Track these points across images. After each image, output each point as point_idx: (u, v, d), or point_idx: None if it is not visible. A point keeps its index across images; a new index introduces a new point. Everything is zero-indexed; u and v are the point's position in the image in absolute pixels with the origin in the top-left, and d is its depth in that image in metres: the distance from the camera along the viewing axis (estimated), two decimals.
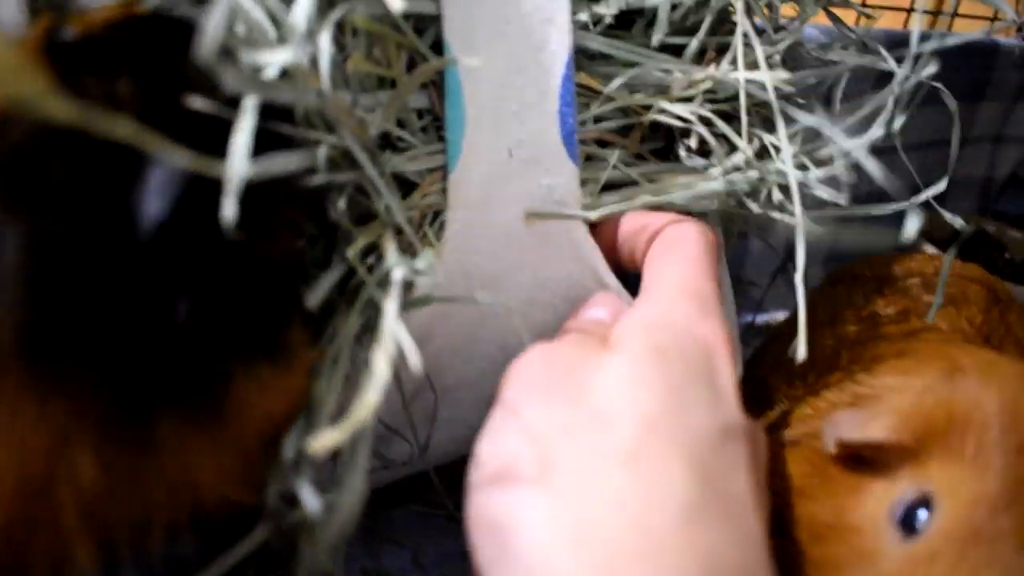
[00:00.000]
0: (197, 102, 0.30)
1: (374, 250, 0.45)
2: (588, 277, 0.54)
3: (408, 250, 0.46)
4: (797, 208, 0.49)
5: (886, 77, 0.54)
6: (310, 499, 0.31)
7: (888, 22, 1.08)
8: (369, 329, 0.44)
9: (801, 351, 0.45)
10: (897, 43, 0.55)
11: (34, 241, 0.28)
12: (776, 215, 0.51)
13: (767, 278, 0.89)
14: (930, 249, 1.08)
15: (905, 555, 0.40)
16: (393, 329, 0.34)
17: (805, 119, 0.50)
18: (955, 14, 1.19)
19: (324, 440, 0.30)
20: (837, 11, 0.63)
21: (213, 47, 0.29)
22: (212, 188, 0.29)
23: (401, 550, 0.62)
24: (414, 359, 0.33)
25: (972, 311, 0.64)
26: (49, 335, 0.27)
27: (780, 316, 0.98)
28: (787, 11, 0.60)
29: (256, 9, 0.37)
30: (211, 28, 0.29)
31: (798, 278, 0.47)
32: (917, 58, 0.51)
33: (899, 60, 0.54)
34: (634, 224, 0.51)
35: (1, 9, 0.41)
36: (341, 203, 0.41)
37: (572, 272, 0.53)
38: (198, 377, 0.31)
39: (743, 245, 0.97)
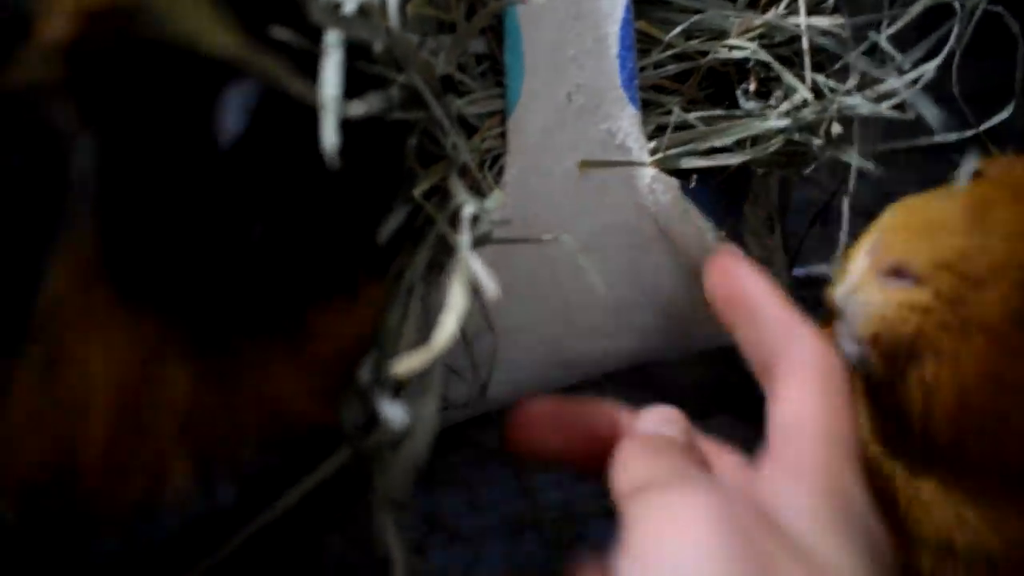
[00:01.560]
0: (283, 33, 0.31)
1: (437, 191, 0.46)
2: (648, 225, 0.54)
3: (473, 190, 0.47)
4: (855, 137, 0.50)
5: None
6: (396, 413, 0.32)
7: None
8: (434, 266, 0.45)
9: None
10: None
11: (112, 153, 0.28)
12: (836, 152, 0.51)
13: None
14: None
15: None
16: (468, 260, 0.35)
17: (858, 62, 0.50)
18: None
19: (408, 363, 0.31)
20: None
21: None
22: (294, 113, 0.30)
23: (457, 491, 0.64)
24: (491, 288, 0.34)
25: None
26: (131, 252, 0.28)
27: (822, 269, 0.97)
28: None
29: None
30: None
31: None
32: None
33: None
34: (760, 325, 0.42)
35: None
36: (411, 142, 0.42)
37: (631, 220, 0.54)
38: (278, 299, 0.32)
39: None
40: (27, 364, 0.27)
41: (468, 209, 0.38)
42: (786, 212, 0.70)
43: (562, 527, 0.62)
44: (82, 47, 0.29)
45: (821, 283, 0.85)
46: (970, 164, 0.45)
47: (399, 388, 0.41)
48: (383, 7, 0.38)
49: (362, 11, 0.36)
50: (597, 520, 0.63)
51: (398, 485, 0.37)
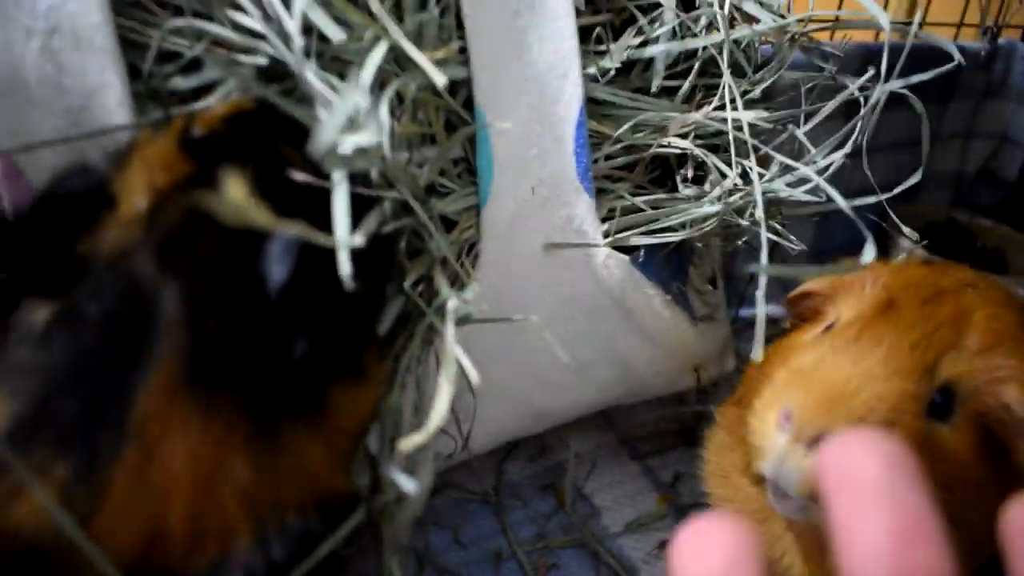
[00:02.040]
0: (299, 176, 0.39)
1: (422, 280, 0.54)
2: (604, 295, 0.63)
3: (453, 278, 0.55)
4: (763, 226, 0.59)
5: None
6: (407, 482, 0.40)
7: (862, 35, 1.17)
8: (424, 342, 0.53)
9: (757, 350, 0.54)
10: (872, 55, 0.64)
11: (190, 297, 0.36)
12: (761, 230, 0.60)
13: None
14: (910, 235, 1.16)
15: (816, 339, 0.53)
16: (453, 352, 0.43)
17: (778, 156, 0.59)
18: (923, 23, 1.28)
19: (411, 441, 0.39)
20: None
21: (328, 141, 0.38)
22: (317, 249, 0.38)
23: (443, 531, 0.71)
24: (474, 376, 0.42)
25: None
26: (206, 369, 0.36)
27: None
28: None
29: (336, 98, 0.45)
30: (330, 128, 0.38)
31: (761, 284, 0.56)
32: (888, 73, 0.60)
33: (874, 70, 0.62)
34: None
35: (108, 100, 0.50)
36: (401, 244, 0.50)
37: (589, 291, 0.63)
38: (309, 393, 0.40)
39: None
40: (123, 466, 0.34)
41: (451, 304, 0.46)
42: (726, 267, 0.79)
43: (537, 558, 0.70)
44: (156, 215, 0.37)
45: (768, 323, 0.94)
46: (870, 250, 0.54)
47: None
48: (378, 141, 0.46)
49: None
50: (566, 550, 0.72)
51: (403, 534, 0.45)
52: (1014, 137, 1.35)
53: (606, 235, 0.62)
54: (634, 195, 0.64)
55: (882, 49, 0.60)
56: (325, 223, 0.39)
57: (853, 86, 0.62)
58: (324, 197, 0.40)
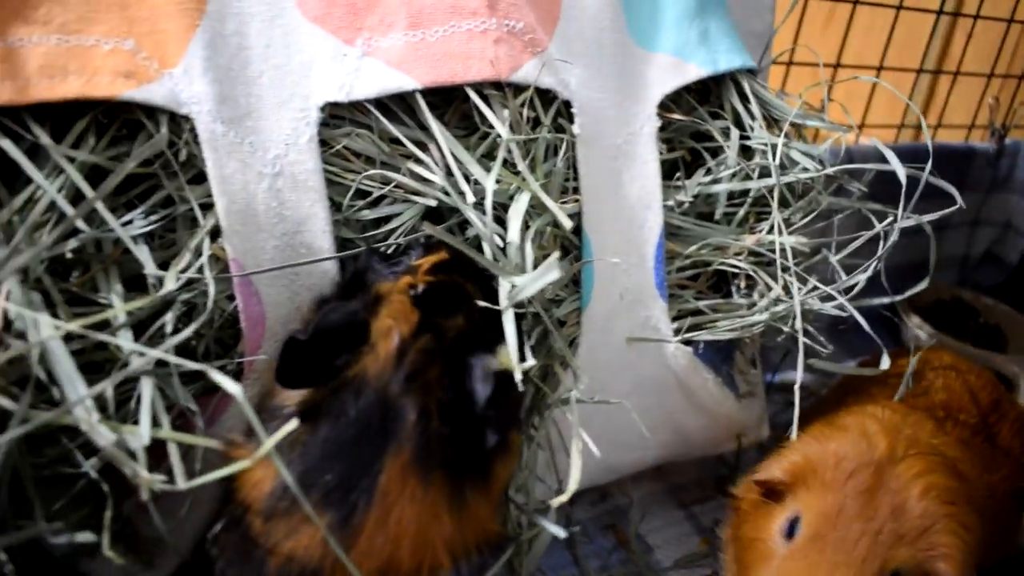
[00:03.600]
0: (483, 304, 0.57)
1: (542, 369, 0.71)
2: (671, 377, 0.79)
3: (561, 362, 0.71)
4: (799, 331, 0.75)
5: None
6: (556, 529, 0.56)
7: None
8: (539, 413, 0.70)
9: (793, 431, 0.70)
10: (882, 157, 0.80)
11: (422, 407, 0.53)
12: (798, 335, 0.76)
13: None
14: (917, 325, 1.32)
15: (786, 553, 0.66)
16: (580, 433, 0.60)
17: (812, 281, 0.76)
18: (939, 126, 1.45)
19: (560, 499, 0.55)
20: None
21: (522, 292, 0.55)
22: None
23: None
24: (595, 451, 0.59)
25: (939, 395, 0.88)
26: (429, 456, 0.52)
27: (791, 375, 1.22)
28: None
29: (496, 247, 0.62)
30: (526, 288, 0.55)
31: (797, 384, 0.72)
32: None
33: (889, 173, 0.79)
34: None
35: (315, 227, 0.66)
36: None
37: (660, 375, 0.79)
38: (484, 468, 0.56)
39: None
40: (371, 519, 0.51)
41: (575, 394, 0.63)
42: (765, 350, 0.95)
43: None
44: (403, 354, 0.54)
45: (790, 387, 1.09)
46: (886, 361, 0.70)
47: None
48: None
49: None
50: None
51: (534, 566, 0.62)
52: (1017, 225, 1.51)
53: (676, 332, 0.78)
54: (698, 300, 0.80)
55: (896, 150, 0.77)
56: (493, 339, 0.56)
57: (878, 227, 0.78)
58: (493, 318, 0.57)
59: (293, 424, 0.47)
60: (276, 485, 0.53)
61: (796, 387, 0.71)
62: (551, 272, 0.56)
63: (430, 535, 0.52)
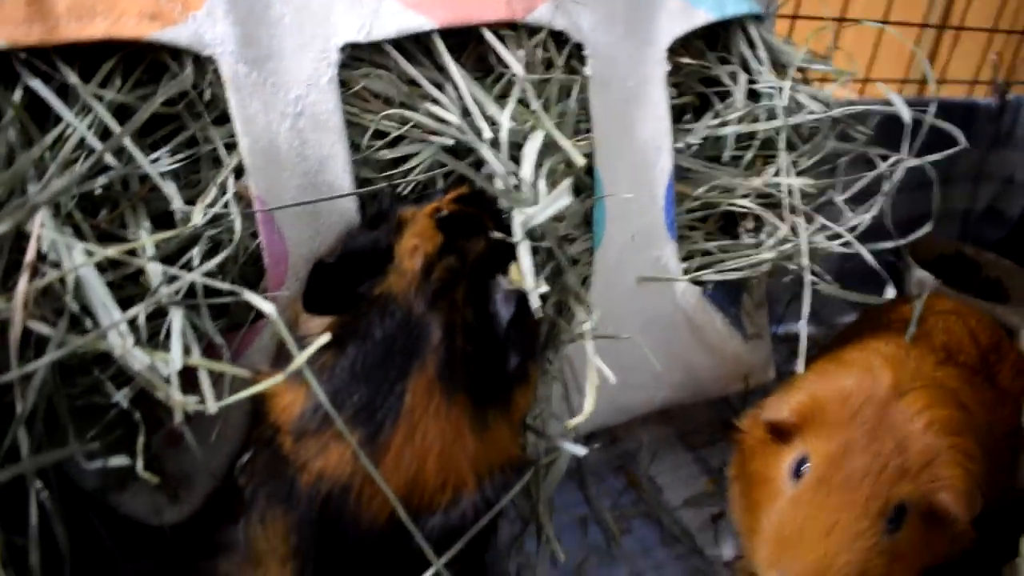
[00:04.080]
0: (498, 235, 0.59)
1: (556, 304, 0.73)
2: (680, 316, 0.81)
3: (577, 300, 0.73)
4: (807, 272, 0.77)
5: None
6: (578, 449, 0.58)
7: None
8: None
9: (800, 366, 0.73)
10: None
11: (447, 324, 0.55)
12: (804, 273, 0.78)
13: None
14: (921, 278, 1.33)
15: (794, 494, 0.69)
16: (596, 362, 0.62)
17: (820, 219, 0.77)
18: (941, 82, 1.46)
19: (575, 421, 0.58)
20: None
21: (532, 219, 0.57)
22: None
23: None
24: (611, 377, 0.61)
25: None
26: (453, 375, 0.55)
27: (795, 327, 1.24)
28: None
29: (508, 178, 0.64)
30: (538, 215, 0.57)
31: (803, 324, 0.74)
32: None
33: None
34: None
35: (335, 166, 0.68)
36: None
37: (669, 313, 0.81)
38: (505, 392, 0.58)
39: None
40: (397, 435, 0.53)
41: (588, 326, 0.65)
42: (771, 301, 0.97)
43: (613, 524, 0.88)
44: (427, 272, 0.56)
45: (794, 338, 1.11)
46: (891, 291, 0.71)
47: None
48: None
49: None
50: (636, 519, 0.90)
51: (549, 493, 0.64)
52: (1019, 180, 1.52)
53: (685, 272, 0.80)
54: (707, 240, 0.82)
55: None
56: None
57: (882, 166, 0.80)
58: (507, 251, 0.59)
59: (325, 338, 0.48)
60: (306, 406, 0.55)
61: (802, 320, 0.73)
62: (562, 198, 0.57)
63: (454, 453, 0.54)
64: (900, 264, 1.30)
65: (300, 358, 0.48)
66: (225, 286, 0.54)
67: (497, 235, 0.60)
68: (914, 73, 1.44)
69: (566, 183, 0.58)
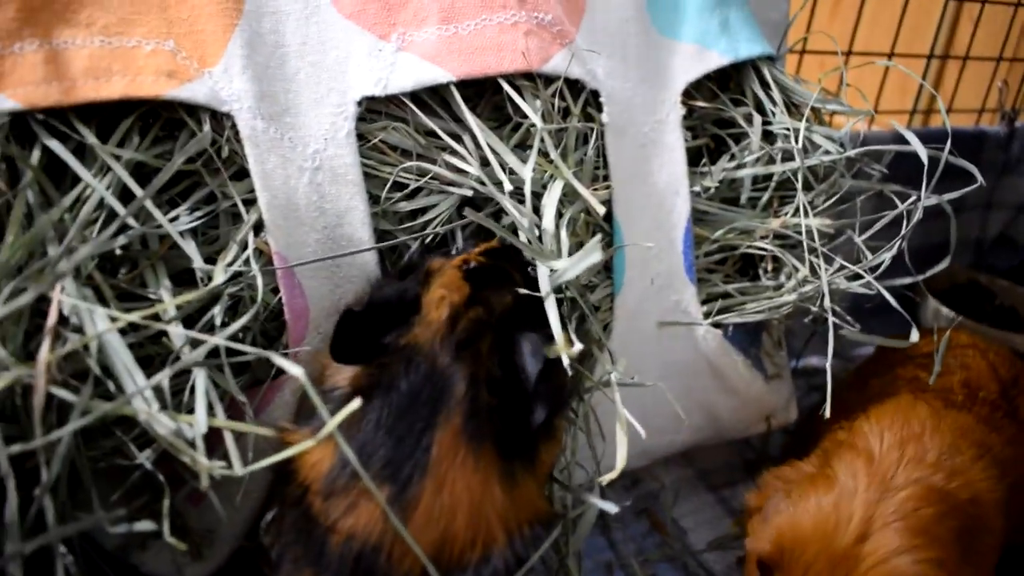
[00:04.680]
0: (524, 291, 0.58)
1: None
2: (702, 360, 0.80)
3: (597, 344, 0.73)
4: (829, 314, 0.76)
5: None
6: (607, 506, 0.57)
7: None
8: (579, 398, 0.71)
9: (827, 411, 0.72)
10: (902, 139, 0.82)
11: (472, 376, 0.55)
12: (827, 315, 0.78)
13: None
14: (935, 308, 1.32)
15: None
16: (625, 415, 0.61)
17: (839, 260, 0.77)
18: (949, 111, 1.46)
19: (608, 477, 0.57)
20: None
21: (562, 275, 0.56)
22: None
23: None
24: (642, 432, 0.60)
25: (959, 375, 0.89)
26: (479, 428, 0.54)
27: (814, 360, 1.23)
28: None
29: (533, 235, 0.64)
30: (567, 272, 0.56)
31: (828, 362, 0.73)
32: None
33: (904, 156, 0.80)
34: None
35: (354, 219, 0.67)
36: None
37: (690, 357, 0.80)
38: (530, 446, 0.58)
39: None
40: (425, 491, 0.52)
41: (615, 377, 0.64)
42: (788, 335, 0.96)
43: (639, 568, 0.87)
44: (454, 322, 0.55)
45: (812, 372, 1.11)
46: (915, 335, 0.71)
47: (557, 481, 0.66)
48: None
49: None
50: (662, 564, 0.88)
51: (579, 546, 0.63)
52: None
53: (706, 315, 0.80)
54: (726, 283, 0.82)
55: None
56: (535, 323, 0.58)
57: (902, 206, 0.79)
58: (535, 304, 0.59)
59: (356, 404, 0.48)
60: (335, 463, 0.54)
61: (827, 363, 0.73)
62: (593, 255, 0.57)
63: (483, 508, 0.54)
64: (914, 295, 1.30)
65: (331, 424, 0.47)
66: (250, 349, 0.53)
67: (523, 291, 0.59)
68: (920, 103, 1.44)
69: (596, 240, 0.58)
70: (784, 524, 0.67)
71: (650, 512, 0.94)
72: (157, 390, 0.55)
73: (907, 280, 0.84)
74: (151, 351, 0.61)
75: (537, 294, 0.59)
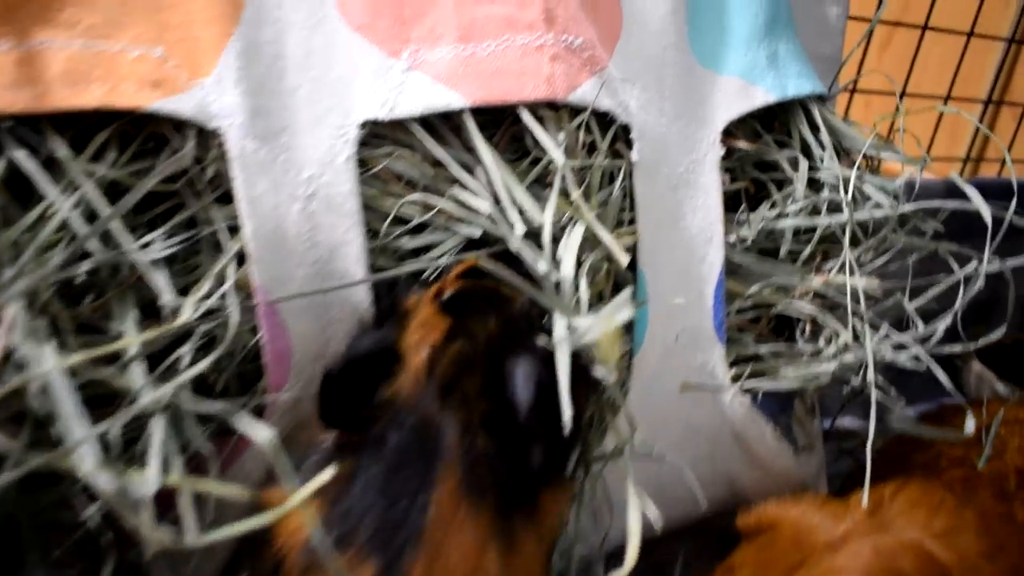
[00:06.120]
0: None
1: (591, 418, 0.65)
2: (727, 428, 0.73)
3: (612, 409, 0.65)
4: (872, 384, 0.68)
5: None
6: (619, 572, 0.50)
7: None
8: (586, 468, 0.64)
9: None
10: (955, 189, 0.74)
11: (462, 423, 0.48)
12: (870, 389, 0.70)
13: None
14: (979, 371, 1.24)
15: None
16: (638, 494, 0.53)
17: (886, 327, 0.69)
18: (1003, 161, 1.37)
19: (620, 573, 0.49)
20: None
21: (583, 337, 0.49)
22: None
23: None
24: (654, 513, 0.53)
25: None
26: (476, 480, 0.47)
27: (846, 421, 1.15)
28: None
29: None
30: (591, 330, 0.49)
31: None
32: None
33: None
34: None
35: (348, 254, 0.61)
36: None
37: (716, 424, 0.73)
38: (532, 494, 0.51)
39: None
40: (419, 563, 0.45)
41: (628, 451, 0.57)
42: (822, 400, 0.88)
43: None
44: (433, 365, 0.48)
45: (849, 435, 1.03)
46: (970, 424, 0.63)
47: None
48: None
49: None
50: None
51: None
52: None
53: (734, 379, 0.72)
54: (758, 344, 0.74)
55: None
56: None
57: (959, 272, 0.71)
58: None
59: (328, 473, 0.41)
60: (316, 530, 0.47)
61: (867, 448, 0.65)
62: (622, 311, 0.50)
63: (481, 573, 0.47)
64: (959, 360, 1.21)
65: (301, 494, 0.41)
66: (213, 406, 0.47)
67: (542, 344, 0.52)
68: (968, 150, 1.36)
69: (626, 294, 0.51)
70: (773, 508, 0.70)
71: None
72: (104, 439, 0.48)
73: (957, 349, 0.76)
74: (108, 389, 0.54)
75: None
